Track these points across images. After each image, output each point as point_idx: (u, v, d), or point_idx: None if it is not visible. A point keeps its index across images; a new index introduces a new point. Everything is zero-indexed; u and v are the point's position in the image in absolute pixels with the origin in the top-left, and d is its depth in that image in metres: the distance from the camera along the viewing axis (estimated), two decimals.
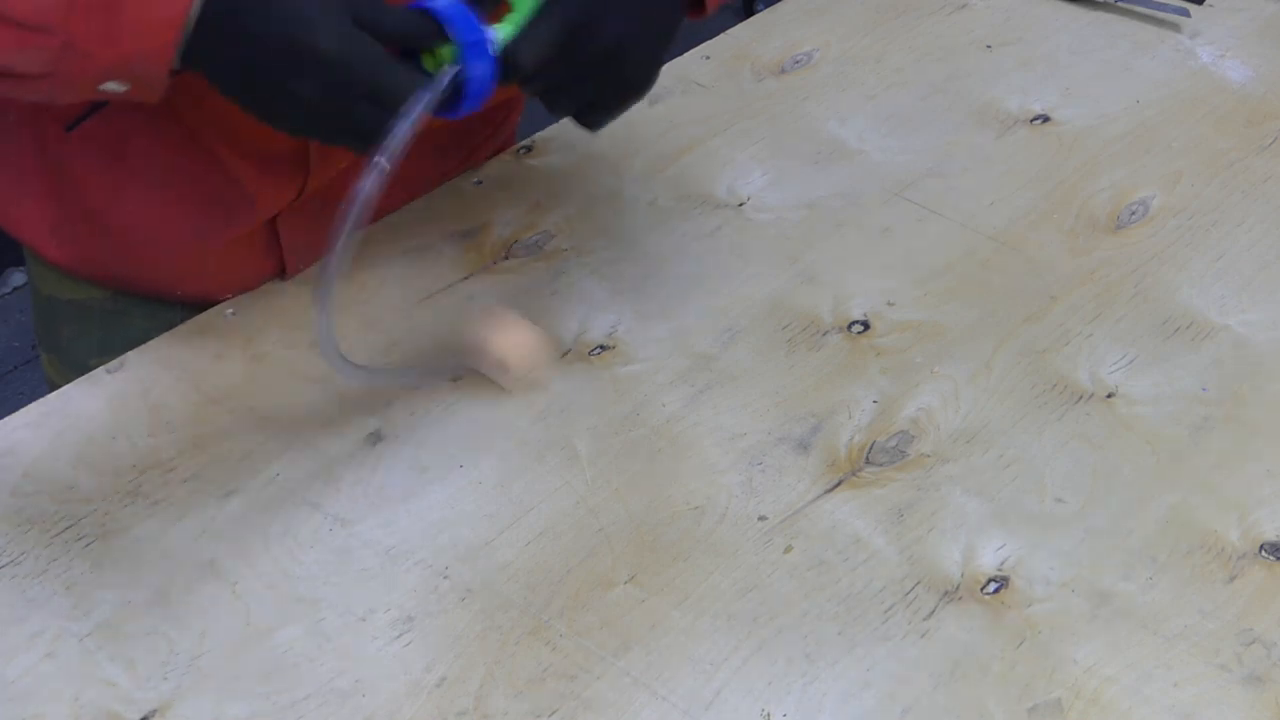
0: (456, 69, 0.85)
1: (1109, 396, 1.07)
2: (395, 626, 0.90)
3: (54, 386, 1.07)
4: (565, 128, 1.32)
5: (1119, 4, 1.52)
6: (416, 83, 0.84)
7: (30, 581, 0.92)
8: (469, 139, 1.23)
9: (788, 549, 0.95)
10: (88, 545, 0.94)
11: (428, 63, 0.87)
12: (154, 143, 1.04)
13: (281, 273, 1.14)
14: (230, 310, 1.11)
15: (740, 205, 1.24)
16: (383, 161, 0.82)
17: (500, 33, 0.88)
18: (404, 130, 0.83)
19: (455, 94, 0.86)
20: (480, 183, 1.25)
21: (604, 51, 0.90)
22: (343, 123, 0.85)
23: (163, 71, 0.83)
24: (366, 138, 0.84)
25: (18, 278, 2.86)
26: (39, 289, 1.20)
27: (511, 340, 1.02)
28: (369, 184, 0.83)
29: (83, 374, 1.05)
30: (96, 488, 0.97)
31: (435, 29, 0.86)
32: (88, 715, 0.84)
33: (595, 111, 0.94)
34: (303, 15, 0.82)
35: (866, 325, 1.13)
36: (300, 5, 0.82)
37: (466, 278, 1.16)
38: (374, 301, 1.12)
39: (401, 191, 1.12)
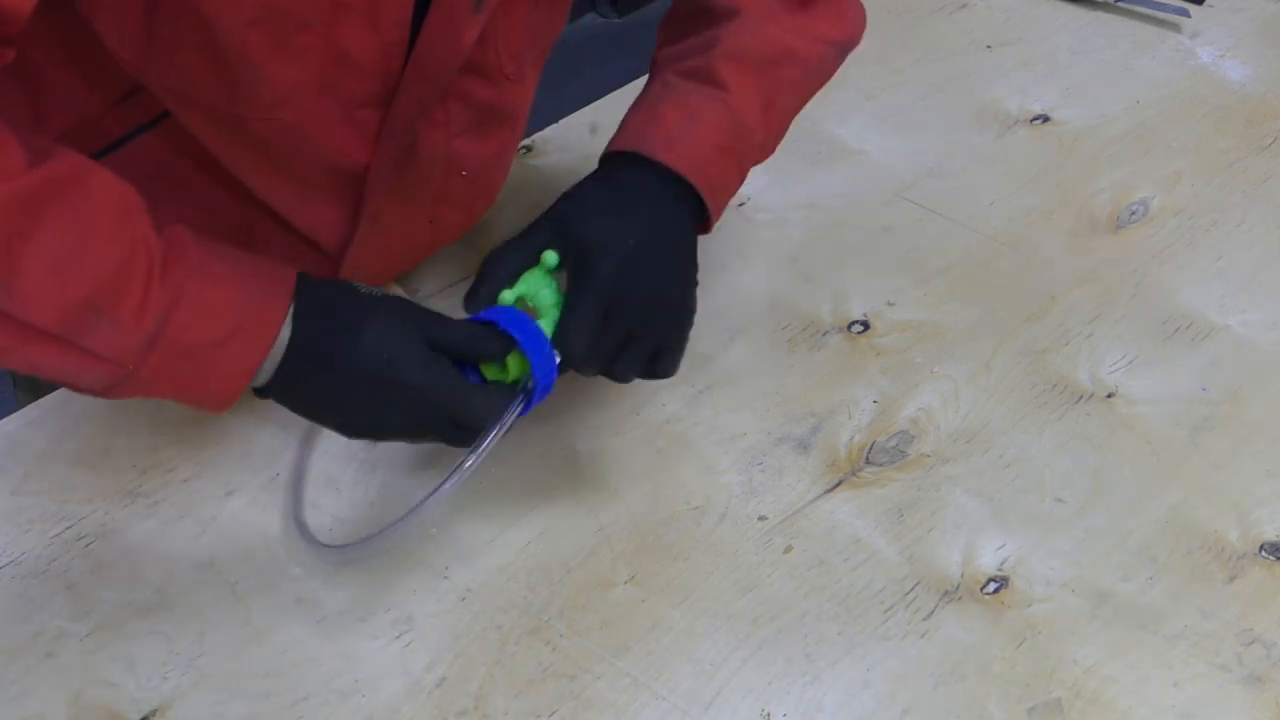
0: (531, 381, 0.88)
1: (1109, 396, 1.07)
2: (395, 626, 0.90)
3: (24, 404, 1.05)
4: (565, 128, 1.33)
5: (1119, 4, 1.52)
6: (493, 403, 0.87)
7: (30, 581, 0.92)
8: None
9: (788, 549, 0.95)
10: (88, 545, 0.94)
11: (488, 371, 0.89)
12: (182, 198, 1.01)
13: None
14: None
15: (740, 205, 1.23)
16: (468, 464, 0.86)
17: (546, 329, 0.90)
18: (490, 443, 0.86)
19: (526, 396, 0.89)
20: None
21: (643, 312, 0.92)
22: (427, 438, 0.88)
23: (223, 408, 0.84)
24: (452, 445, 0.88)
25: None
26: None
27: None
28: (449, 483, 0.86)
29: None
30: (96, 488, 0.97)
31: (500, 339, 0.88)
32: (88, 715, 0.84)
33: (660, 361, 0.95)
34: (384, 352, 0.83)
35: (866, 325, 1.13)
36: (380, 341, 0.83)
37: (466, 278, 1.16)
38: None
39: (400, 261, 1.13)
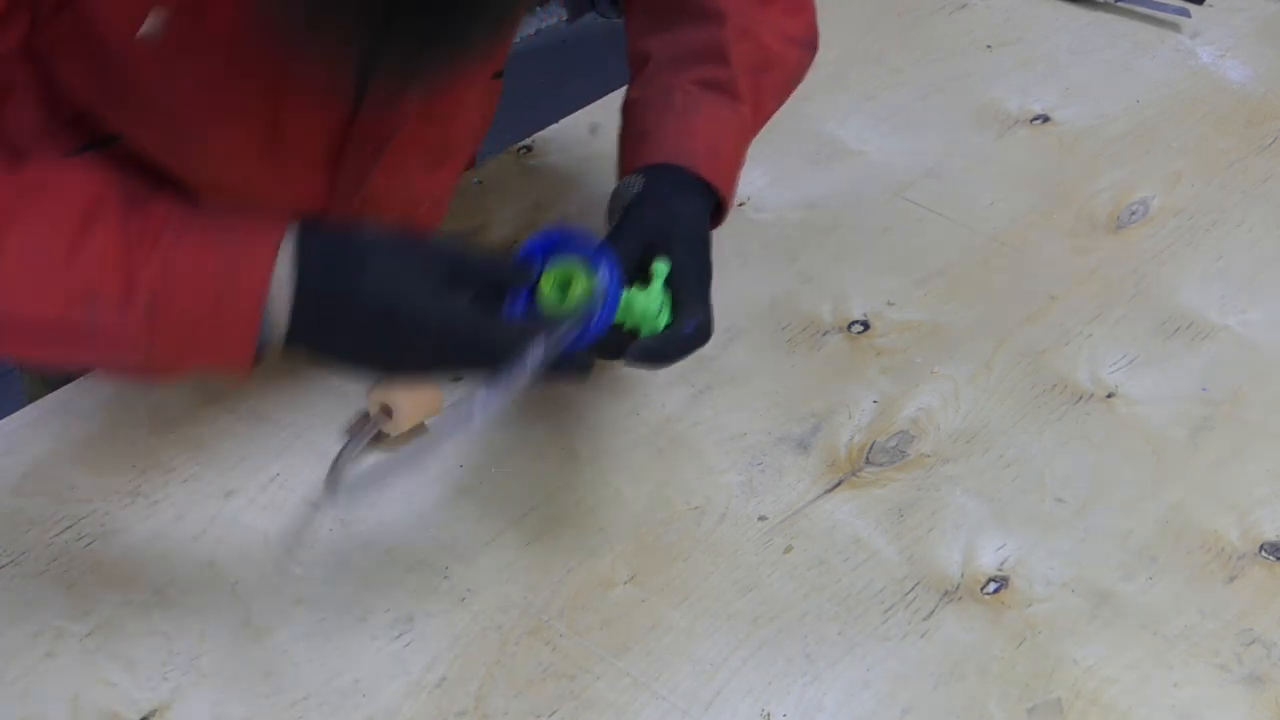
0: (590, 304, 0.84)
1: (1109, 396, 1.07)
2: (395, 626, 0.90)
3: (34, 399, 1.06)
4: (565, 128, 1.33)
5: (1119, 4, 1.52)
6: (519, 333, 0.82)
7: (30, 581, 0.91)
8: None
9: (788, 549, 0.95)
10: (88, 545, 0.94)
11: (548, 284, 0.86)
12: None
13: None
14: None
15: (740, 205, 1.23)
16: (476, 410, 0.81)
17: (637, 301, 0.89)
18: (505, 390, 0.81)
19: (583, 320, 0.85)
20: (480, 183, 1.25)
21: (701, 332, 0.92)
22: (457, 373, 0.87)
23: (244, 372, 0.83)
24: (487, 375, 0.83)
25: None
26: None
27: (396, 391, 1.00)
28: (466, 418, 0.82)
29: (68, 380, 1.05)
30: (96, 488, 0.97)
31: (522, 263, 0.85)
32: (88, 715, 0.84)
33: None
34: (389, 294, 0.81)
35: (866, 325, 1.13)
36: (383, 283, 0.81)
37: None
38: None
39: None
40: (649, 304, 0.89)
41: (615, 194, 0.98)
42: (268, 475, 0.98)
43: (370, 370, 0.85)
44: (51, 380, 1.07)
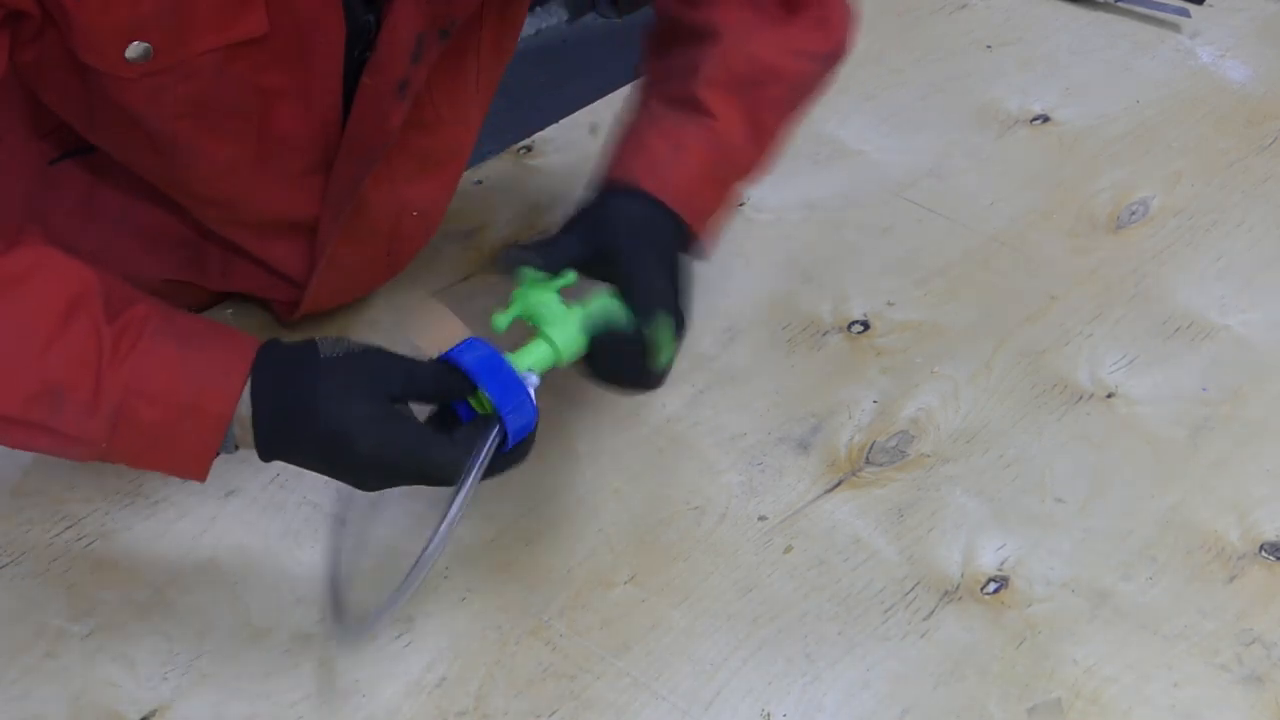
0: (496, 435, 0.83)
1: (1109, 396, 1.07)
2: (395, 626, 0.90)
3: None
4: (565, 128, 1.33)
5: (1119, 4, 1.52)
6: (456, 451, 0.82)
7: (30, 581, 0.92)
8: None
9: (788, 549, 0.95)
10: (88, 545, 0.94)
11: (476, 405, 0.85)
12: (136, 200, 1.04)
13: None
14: (230, 310, 1.11)
15: (740, 205, 1.23)
16: (441, 533, 0.82)
17: (534, 364, 0.87)
18: (457, 508, 0.82)
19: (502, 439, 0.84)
20: (480, 183, 1.25)
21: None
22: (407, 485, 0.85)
23: (202, 478, 0.85)
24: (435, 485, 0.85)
25: None
26: None
27: (435, 329, 0.99)
28: (430, 553, 0.82)
29: None
30: (96, 488, 0.97)
31: (464, 380, 0.85)
32: (88, 715, 0.84)
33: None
34: (338, 419, 0.82)
35: (866, 325, 1.13)
36: (334, 408, 0.82)
37: (466, 278, 1.16)
38: (374, 301, 1.12)
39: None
40: (538, 309, 0.88)
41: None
42: (268, 475, 0.98)
43: (343, 483, 0.85)
44: None
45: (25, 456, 0.99)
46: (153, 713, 0.85)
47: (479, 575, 0.93)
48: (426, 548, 0.82)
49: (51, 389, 0.79)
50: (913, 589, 0.93)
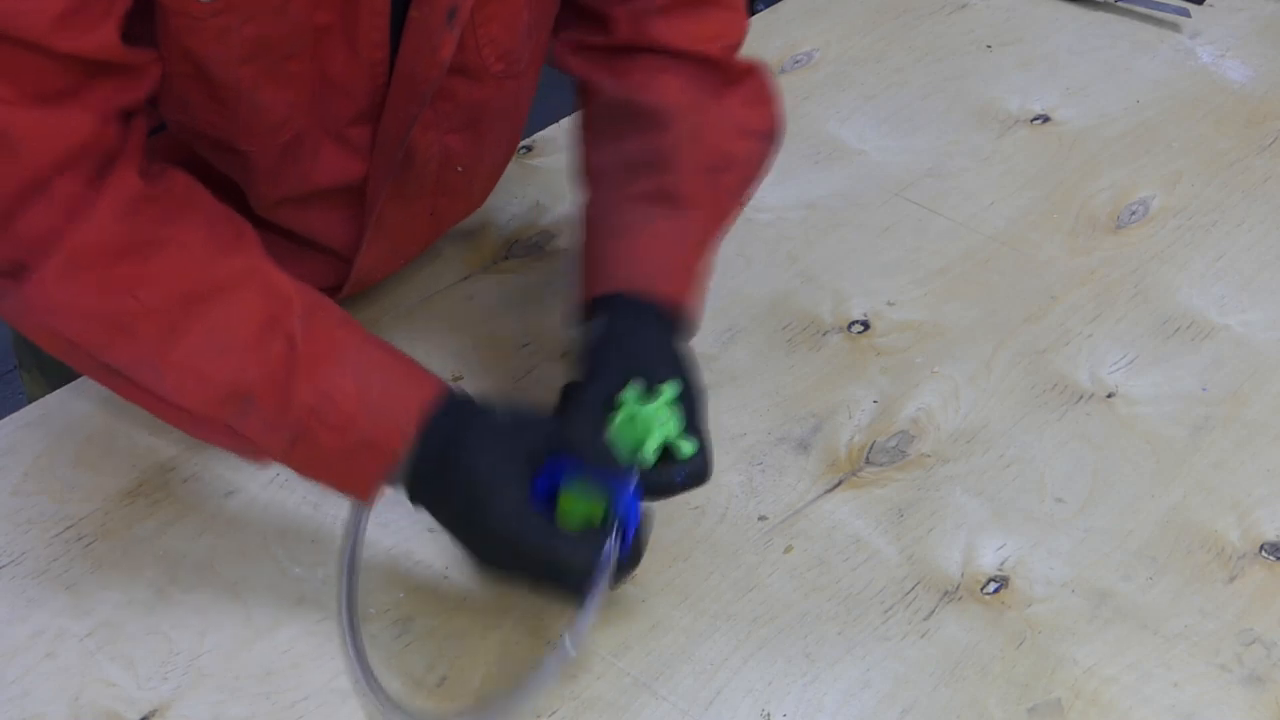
0: (615, 538, 0.83)
1: (1109, 396, 1.07)
2: (395, 626, 0.90)
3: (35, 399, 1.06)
4: (565, 128, 1.32)
5: (1119, 4, 1.52)
6: (587, 555, 0.82)
7: (30, 581, 0.92)
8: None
9: (788, 549, 0.95)
10: (88, 545, 0.94)
11: (567, 504, 0.84)
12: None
13: None
14: None
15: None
16: (568, 647, 0.83)
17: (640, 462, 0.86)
18: (587, 618, 0.82)
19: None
20: None
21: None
22: (540, 586, 0.86)
23: (367, 502, 0.87)
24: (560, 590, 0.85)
25: None
26: None
27: None
28: (551, 666, 0.84)
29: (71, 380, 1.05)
30: (96, 488, 0.97)
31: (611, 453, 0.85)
32: (88, 715, 0.84)
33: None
34: (479, 486, 0.83)
35: (866, 325, 1.13)
36: (481, 474, 0.83)
37: (466, 278, 1.16)
38: (374, 301, 1.12)
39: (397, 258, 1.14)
40: (659, 417, 0.87)
41: (582, 336, 0.95)
42: (268, 475, 0.98)
43: (469, 553, 0.86)
44: (52, 380, 1.07)
45: (25, 456, 0.99)
46: (153, 713, 0.85)
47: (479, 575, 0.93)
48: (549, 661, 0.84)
49: (242, 395, 0.83)
50: (913, 589, 0.93)
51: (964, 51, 1.46)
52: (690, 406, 0.89)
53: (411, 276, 1.15)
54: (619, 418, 0.87)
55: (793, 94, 1.38)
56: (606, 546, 0.82)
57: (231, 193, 0.97)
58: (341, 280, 1.06)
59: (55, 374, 1.07)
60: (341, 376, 0.84)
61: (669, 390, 0.88)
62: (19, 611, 0.90)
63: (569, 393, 0.91)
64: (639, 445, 0.86)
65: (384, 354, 0.87)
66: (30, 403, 1.04)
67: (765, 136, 1.04)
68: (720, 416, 1.03)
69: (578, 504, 0.83)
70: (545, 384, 1.06)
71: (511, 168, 1.27)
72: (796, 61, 1.42)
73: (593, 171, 1.03)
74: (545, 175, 1.27)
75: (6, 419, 1.02)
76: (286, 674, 0.87)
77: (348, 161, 0.97)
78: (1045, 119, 1.36)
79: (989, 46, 1.47)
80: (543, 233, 1.20)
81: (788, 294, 1.15)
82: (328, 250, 1.04)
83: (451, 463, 0.83)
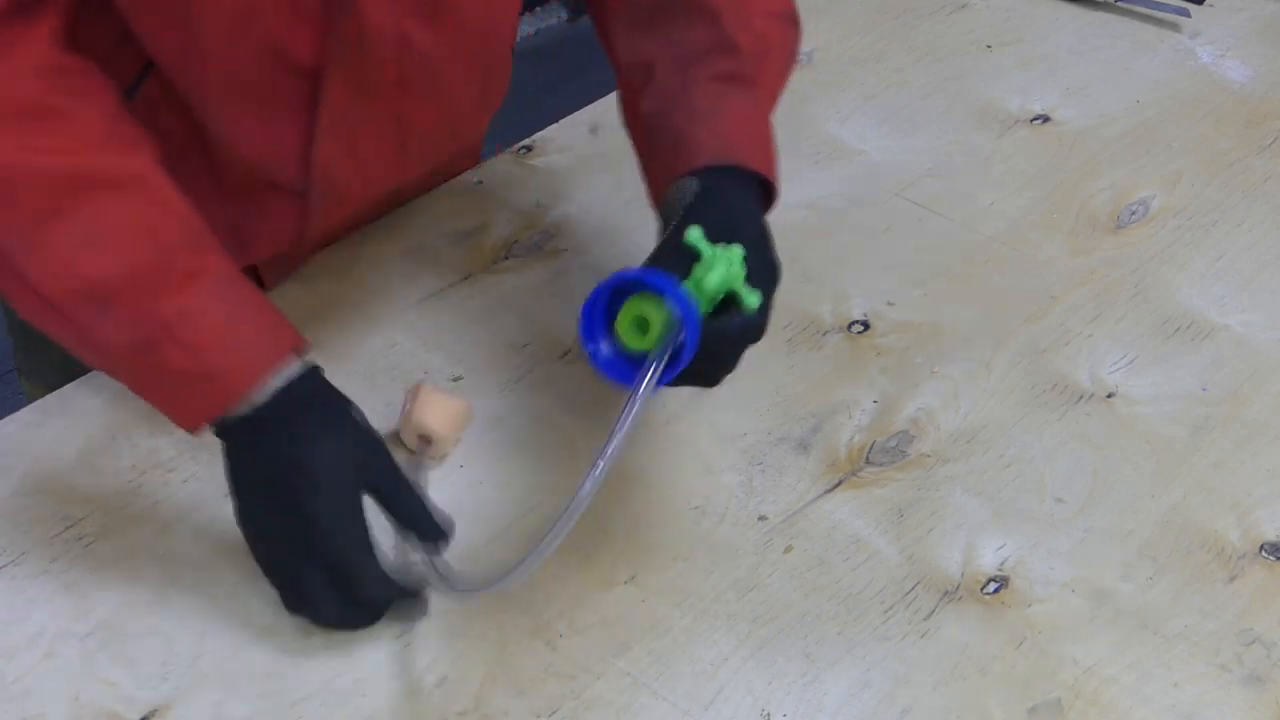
0: (676, 339, 0.82)
1: (1109, 396, 1.07)
2: (395, 626, 0.90)
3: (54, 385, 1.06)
4: (565, 128, 1.33)
5: (1119, 4, 1.52)
6: (387, 588, 0.86)
7: (30, 581, 0.92)
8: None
9: (788, 549, 0.95)
10: (88, 545, 0.94)
11: (630, 339, 0.84)
12: None
13: (259, 285, 1.13)
14: None
15: None
16: (600, 467, 0.81)
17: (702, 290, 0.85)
18: (622, 433, 0.81)
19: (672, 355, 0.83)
20: (480, 183, 1.25)
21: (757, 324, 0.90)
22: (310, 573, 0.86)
23: (188, 431, 0.88)
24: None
25: None
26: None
27: (431, 413, 0.99)
28: (585, 491, 0.81)
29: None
30: (96, 488, 0.97)
31: (440, 528, 0.87)
32: (88, 715, 0.84)
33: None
34: (312, 467, 0.84)
35: (866, 325, 1.13)
36: (320, 459, 0.84)
37: (466, 278, 1.16)
38: (374, 301, 1.12)
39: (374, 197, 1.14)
40: (728, 258, 0.86)
41: (667, 200, 0.95)
42: None
43: (251, 517, 0.87)
44: (51, 383, 1.06)
45: (25, 456, 0.99)
46: (153, 713, 0.85)
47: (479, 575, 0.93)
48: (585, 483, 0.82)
49: (103, 295, 0.82)
50: (913, 589, 0.93)
51: (964, 51, 1.46)
52: (762, 271, 0.89)
53: (411, 276, 1.15)
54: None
55: (793, 94, 1.37)
56: (658, 356, 0.82)
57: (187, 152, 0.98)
58: (303, 226, 1.06)
59: (51, 379, 1.06)
60: (208, 302, 0.83)
61: (739, 247, 0.87)
62: (19, 611, 0.90)
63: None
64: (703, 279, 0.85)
65: (256, 297, 0.87)
66: (29, 403, 1.04)
67: (790, 19, 1.06)
68: (720, 416, 1.04)
69: (638, 307, 0.83)
70: (545, 384, 1.07)
71: (512, 168, 1.27)
72: (797, 61, 1.42)
73: (644, 64, 1.02)
74: (545, 175, 1.27)
75: (6, 419, 1.02)
76: (286, 674, 0.87)
77: (297, 33, 0.94)
78: (1045, 119, 1.36)
79: (989, 46, 1.47)
80: (543, 233, 1.20)
81: (788, 294, 1.14)
82: (278, 178, 1.02)
83: (293, 431, 0.83)
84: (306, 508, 0.84)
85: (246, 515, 0.88)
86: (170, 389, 0.85)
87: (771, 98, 1.03)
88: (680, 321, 0.82)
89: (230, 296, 0.86)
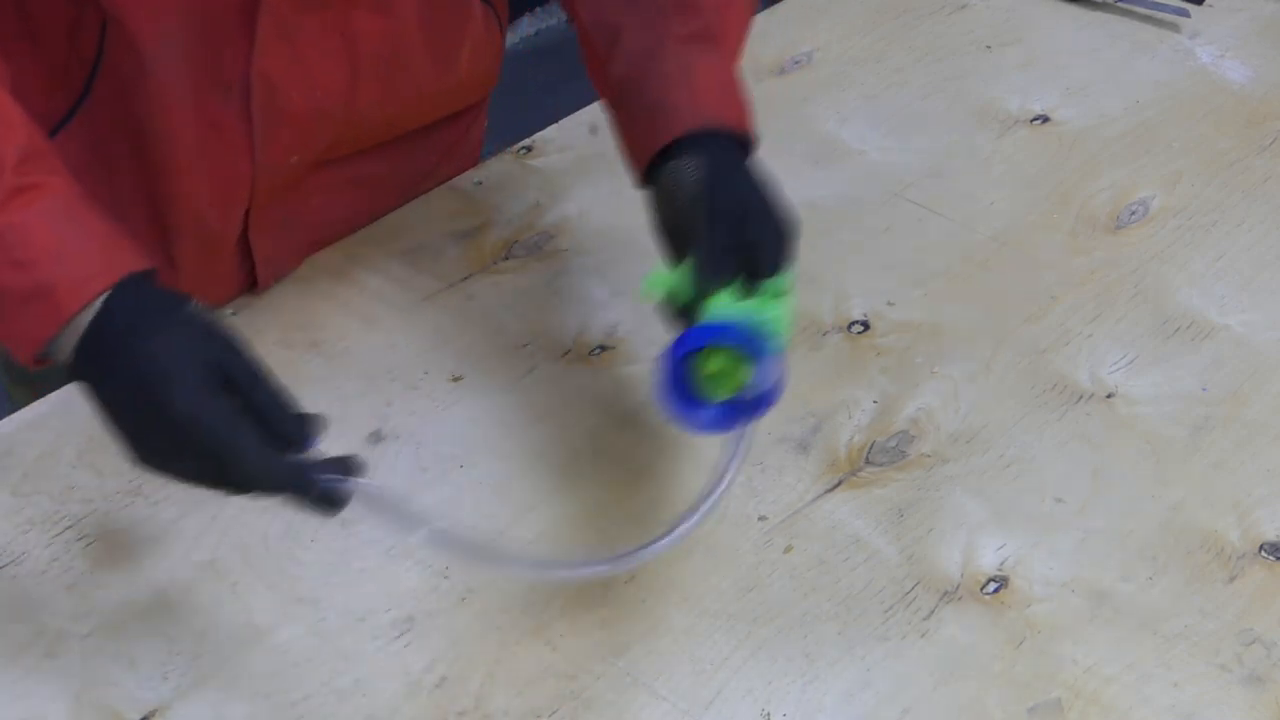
0: (754, 388, 0.86)
1: (1109, 396, 1.07)
2: (395, 626, 0.90)
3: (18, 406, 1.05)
4: (565, 128, 1.33)
5: (1119, 4, 1.52)
6: (277, 465, 0.80)
7: (30, 581, 0.92)
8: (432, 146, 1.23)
9: (788, 549, 0.95)
10: (88, 545, 0.94)
11: (715, 387, 0.87)
12: (102, 168, 1.03)
13: (253, 285, 1.13)
14: (231, 311, 1.11)
15: None
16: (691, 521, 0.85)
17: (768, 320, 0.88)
18: (734, 467, 0.86)
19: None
20: (480, 183, 1.25)
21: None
22: (203, 483, 0.82)
23: (22, 361, 0.84)
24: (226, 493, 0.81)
25: None
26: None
27: None
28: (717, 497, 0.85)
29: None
30: (96, 488, 0.97)
31: (299, 416, 0.81)
32: (88, 715, 0.84)
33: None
34: (164, 368, 0.79)
35: (866, 325, 1.13)
36: (165, 356, 0.79)
37: (466, 278, 1.16)
38: (373, 302, 1.13)
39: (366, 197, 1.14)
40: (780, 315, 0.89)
41: (662, 183, 0.96)
42: None
43: (124, 444, 0.82)
44: (33, 383, 1.06)
45: (25, 456, 0.99)
46: (153, 713, 0.85)
47: (479, 575, 0.93)
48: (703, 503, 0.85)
49: None
50: (913, 589, 0.93)
51: (964, 51, 1.46)
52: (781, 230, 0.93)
53: (411, 276, 1.15)
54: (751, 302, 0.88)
55: (793, 94, 1.38)
56: (746, 419, 0.87)
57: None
58: (249, 276, 1.07)
59: (36, 384, 1.06)
60: (40, 217, 0.81)
61: (788, 294, 0.90)
62: (19, 611, 0.90)
63: (685, 241, 0.92)
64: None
65: (93, 215, 0.84)
66: (9, 403, 1.04)
67: None
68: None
69: (723, 362, 0.86)
70: (545, 384, 1.07)
71: (512, 167, 1.27)
72: (796, 62, 1.42)
73: (609, 25, 1.02)
74: (545, 175, 1.27)
75: (6, 419, 1.02)
76: (286, 674, 0.87)
77: None
78: (1045, 119, 1.36)
79: (989, 46, 1.47)
80: (542, 233, 1.20)
81: None
82: (230, 111, 1.01)
83: (132, 339, 0.80)
84: (161, 401, 0.78)
85: (117, 436, 0.82)
86: (2, 312, 0.82)
87: (736, 51, 1.03)
88: (765, 378, 0.86)
89: (70, 216, 0.82)
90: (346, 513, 0.93)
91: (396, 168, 1.19)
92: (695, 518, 0.85)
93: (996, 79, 1.41)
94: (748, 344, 0.85)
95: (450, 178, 1.25)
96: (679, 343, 0.86)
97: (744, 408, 0.87)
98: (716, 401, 0.87)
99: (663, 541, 0.85)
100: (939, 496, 0.99)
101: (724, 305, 0.87)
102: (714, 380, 0.86)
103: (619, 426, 1.03)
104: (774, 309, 0.88)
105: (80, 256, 0.81)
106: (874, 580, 0.94)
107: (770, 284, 0.89)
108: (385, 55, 1.07)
